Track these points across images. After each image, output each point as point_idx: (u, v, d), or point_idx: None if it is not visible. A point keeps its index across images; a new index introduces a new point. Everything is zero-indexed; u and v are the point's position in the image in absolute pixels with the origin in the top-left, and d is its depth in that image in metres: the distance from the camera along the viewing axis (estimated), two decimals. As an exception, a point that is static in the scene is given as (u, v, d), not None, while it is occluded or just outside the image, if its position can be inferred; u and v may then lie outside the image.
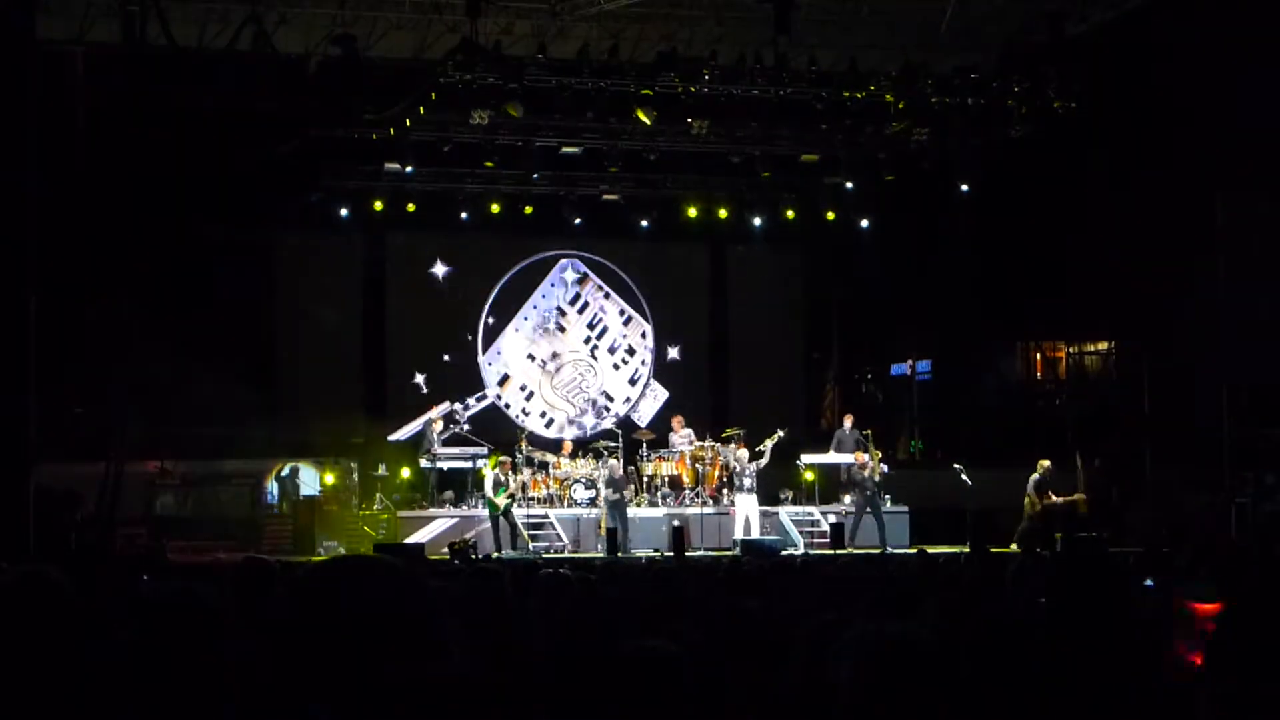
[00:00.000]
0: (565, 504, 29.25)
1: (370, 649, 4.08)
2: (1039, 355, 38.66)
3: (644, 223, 35.47)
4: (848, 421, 31.97)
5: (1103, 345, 36.62)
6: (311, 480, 30.45)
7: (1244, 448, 29.14)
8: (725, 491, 29.91)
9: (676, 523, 28.03)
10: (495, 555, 26.21)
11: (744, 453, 29.83)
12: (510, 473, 28.79)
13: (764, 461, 29.72)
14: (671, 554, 25.68)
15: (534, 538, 28.17)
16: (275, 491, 30.35)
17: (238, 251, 32.41)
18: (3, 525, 17.35)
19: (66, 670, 5.81)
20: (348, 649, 4.09)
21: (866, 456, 29.49)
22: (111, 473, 26.82)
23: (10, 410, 17.86)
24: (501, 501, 28.05)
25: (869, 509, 28.98)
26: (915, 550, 22.46)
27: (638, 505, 29.54)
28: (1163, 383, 31.30)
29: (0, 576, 5.93)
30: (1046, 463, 29.21)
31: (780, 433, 30.41)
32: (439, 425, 30.13)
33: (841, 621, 5.75)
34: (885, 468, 29.81)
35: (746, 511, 28.98)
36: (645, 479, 30.20)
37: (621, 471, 28.72)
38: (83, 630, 6.29)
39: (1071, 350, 37.64)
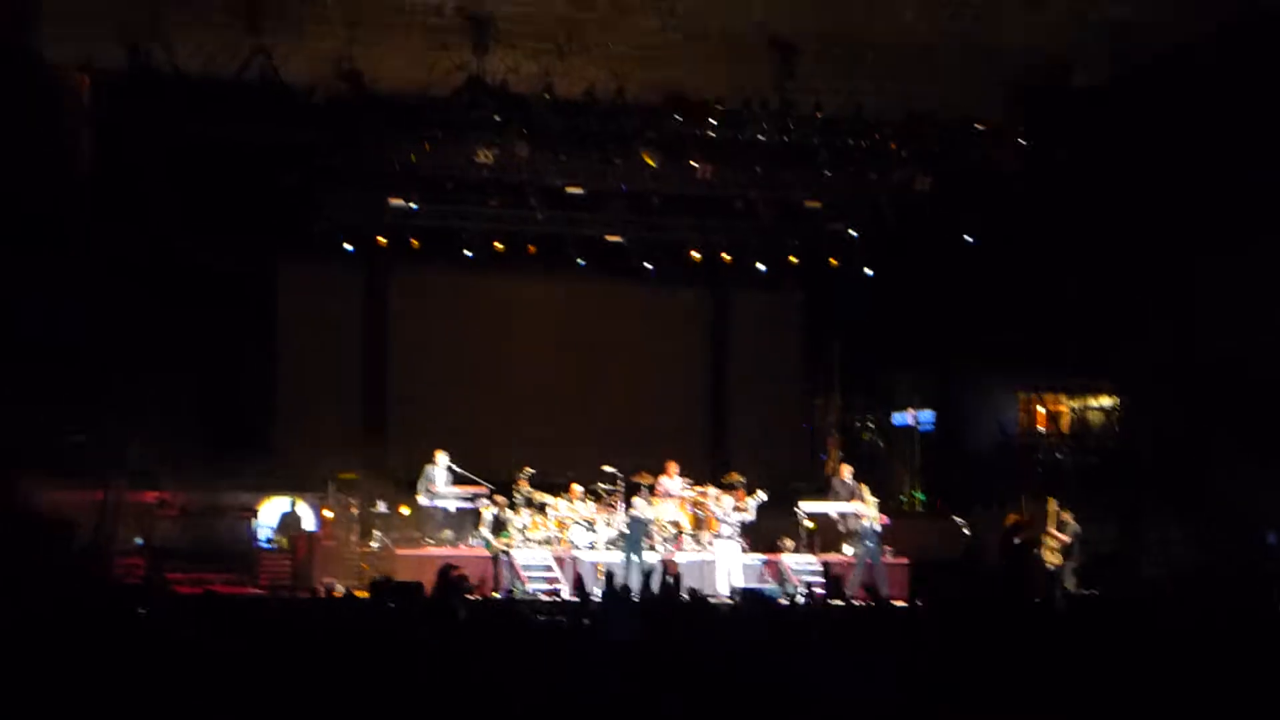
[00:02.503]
0: (563, 545, 29.08)
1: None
2: (1041, 408, 38.56)
3: (646, 264, 35.39)
4: (845, 471, 31.85)
5: (1106, 400, 36.51)
6: (310, 515, 30.37)
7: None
8: (715, 537, 29.78)
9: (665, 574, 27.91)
10: (494, 594, 26.13)
11: (728, 500, 29.75)
12: (511, 513, 28.72)
13: (748, 517, 29.74)
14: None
15: (532, 579, 28.02)
16: (263, 526, 30.20)
17: (239, 281, 32.42)
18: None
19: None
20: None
21: (864, 506, 29.38)
22: (110, 502, 26.78)
23: (8, 439, 17.80)
24: (499, 543, 27.98)
25: (869, 559, 28.85)
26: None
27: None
28: (1166, 438, 31.22)
29: None
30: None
31: (762, 494, 30.47)
32: (440, 462, 30.00)
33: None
34: (884, 517, 29.66)
35: (728, 560, 28.89)
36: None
37: (646, 513, 28.56)
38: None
39: (1074, 404, 37.54)
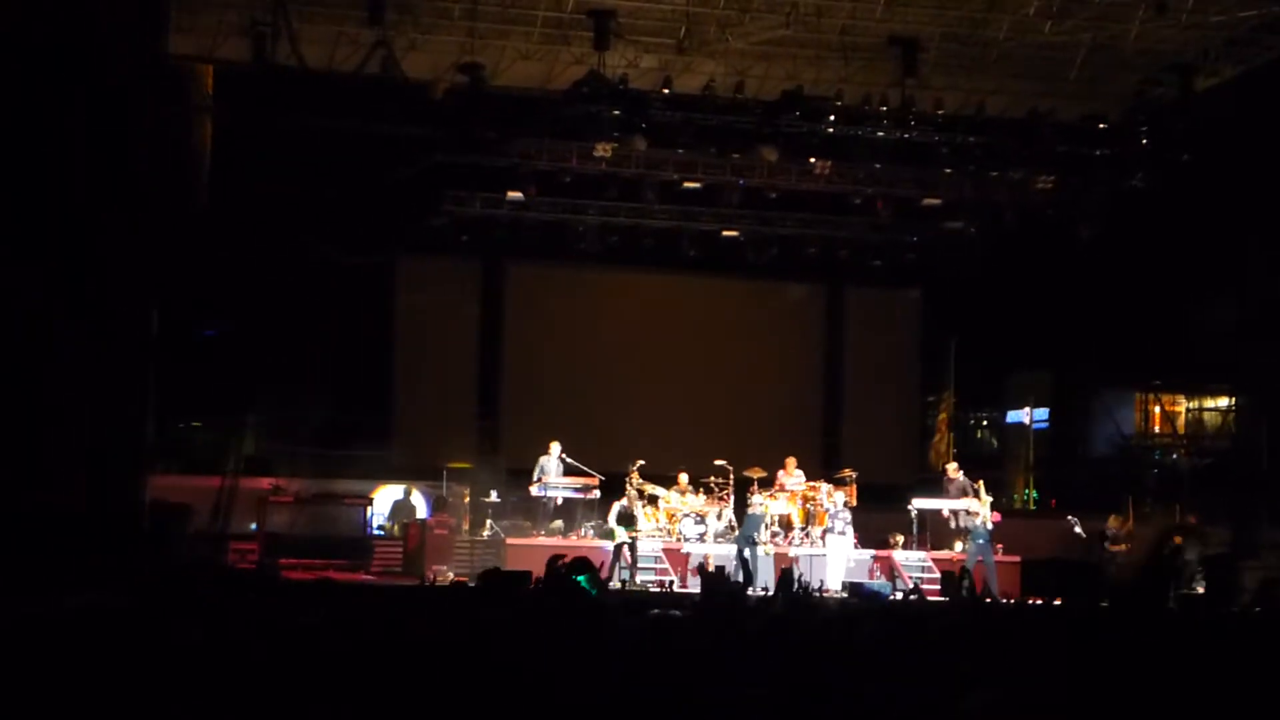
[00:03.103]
0: (674, 538, 29.12)
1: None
2: (1157, 408, 38.32)
3: (762, 260, 35.37)
4: (953, 468, 31.70)
5: (1222, 401, 36.21)
6: (423, 504, 30.61)
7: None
8: (826, 532, 29.68)
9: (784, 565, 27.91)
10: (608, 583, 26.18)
11: (840, 495, 29.68)
12: (637, 506, 28.80)
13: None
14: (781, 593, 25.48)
15: (642, 570, 28.09)
16: (376, 514, 30.47)
17: (358, 273, 32.68)
18: (116, 538, 17.48)
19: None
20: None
21: (978, 504, 29.19)
22: (225, 488, 27.07)
23: (128, 426, 18.03)
24: (620, 533, 28.07)
25: (980, 557, 28.67)
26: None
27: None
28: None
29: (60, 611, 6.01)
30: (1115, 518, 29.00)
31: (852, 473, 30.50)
32: (553, 453, 30.09)
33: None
34: (997, 515, 29.48)
35: (839, 555, 28.83)
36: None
37: (760, 507, 28.51)
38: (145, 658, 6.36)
39: (1190, 405, 37.27)
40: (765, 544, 28.56)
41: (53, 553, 15.81)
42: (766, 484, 30.11)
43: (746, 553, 27.60)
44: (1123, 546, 28.38)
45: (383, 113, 28.88)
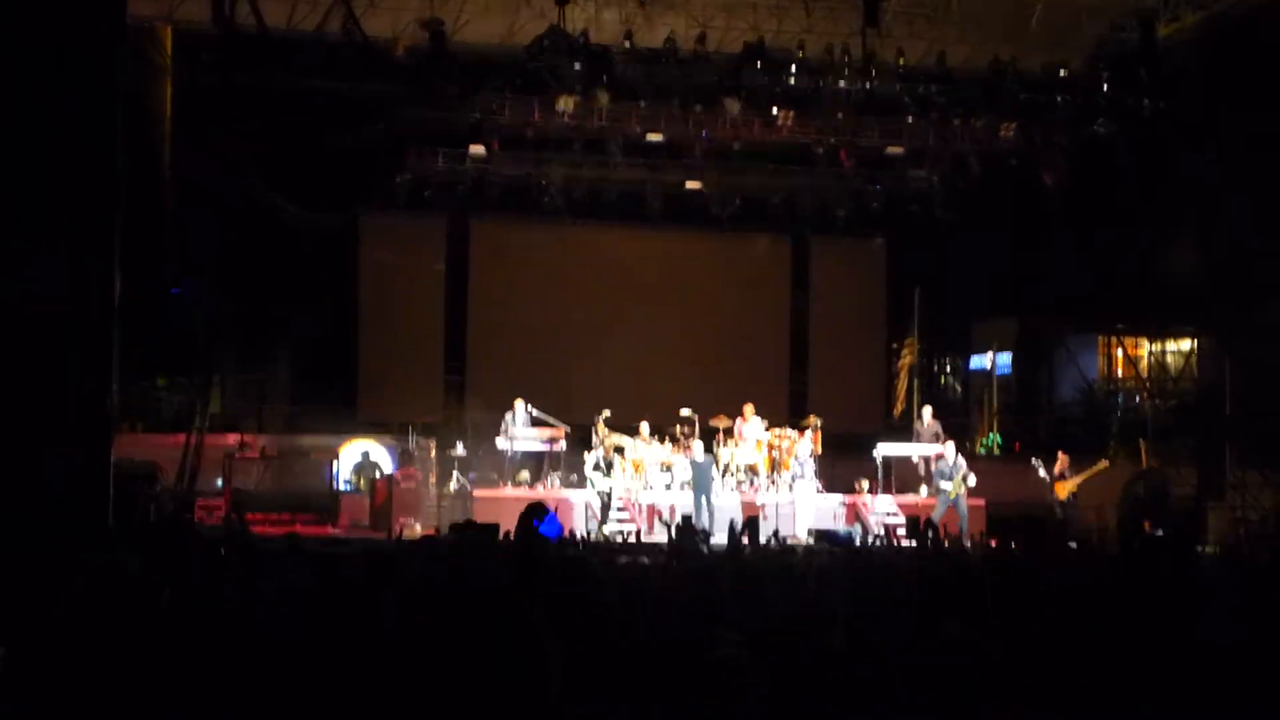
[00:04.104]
0: (642, 488, 29.21)
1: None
2: (1120, 352, 38.50)
3: (726, 212, 35.39)
4: (927, 413, 31.76)
5: (1185, 343, 36.37)
6: (388, 459, 30.63)
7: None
8: (794, 480, 29.76)
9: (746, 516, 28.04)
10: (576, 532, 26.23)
11: (806, 442, 29.78)
12: (611, 454, 28.87)
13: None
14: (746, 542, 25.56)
15: (608, 521, 28.19)
16: (342, 470, 30.52)
17: (321, 232, 32.61)
18: (83, 498, 17.47)
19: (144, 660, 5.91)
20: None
21: (949, 448, 29.21)
22: (191, 446, 27.07)
23: (92, 385, 18.00)
24: (599, 481, 28.17)
25: (951, 507, 28.76)
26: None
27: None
28: (1246, 382, 31.09)
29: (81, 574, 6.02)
30: (1065, 456, 29.01)
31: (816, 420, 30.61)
32: (518, 408, 30.13)
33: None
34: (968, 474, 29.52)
35: (806, 501, 28.94)
36: (722, 465, 30.11)
37: (703, 455, 28.61)
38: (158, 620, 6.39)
39: (1154, 348, 37.43)
40: (717, 492, 28.66)
41: (19, 516, 15.80)
42: (730, 433, 30.24)
43: (702, 501, 27.73)
44: (1069, 485, 28.43)
45: (344, 71, 28.84)
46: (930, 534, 23.30)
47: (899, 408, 36.04)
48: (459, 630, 4.96)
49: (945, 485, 28.44)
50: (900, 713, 5.50)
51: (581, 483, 28.80)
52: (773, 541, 20.45)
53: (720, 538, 25.92)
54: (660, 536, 25.79)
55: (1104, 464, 28.22)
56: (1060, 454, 28.62)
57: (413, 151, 33.13)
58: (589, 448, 29.10)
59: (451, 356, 35.85)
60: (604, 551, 19.76)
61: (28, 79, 17.63)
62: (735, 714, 5.41)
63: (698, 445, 28.71)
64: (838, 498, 29.75)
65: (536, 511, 13.30)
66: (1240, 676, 6.46)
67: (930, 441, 30.64)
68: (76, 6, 17.99)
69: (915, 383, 36.60)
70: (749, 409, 30.64)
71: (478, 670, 4.84)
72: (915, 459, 30.84)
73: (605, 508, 28.24)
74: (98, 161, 18.00)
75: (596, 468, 28.46)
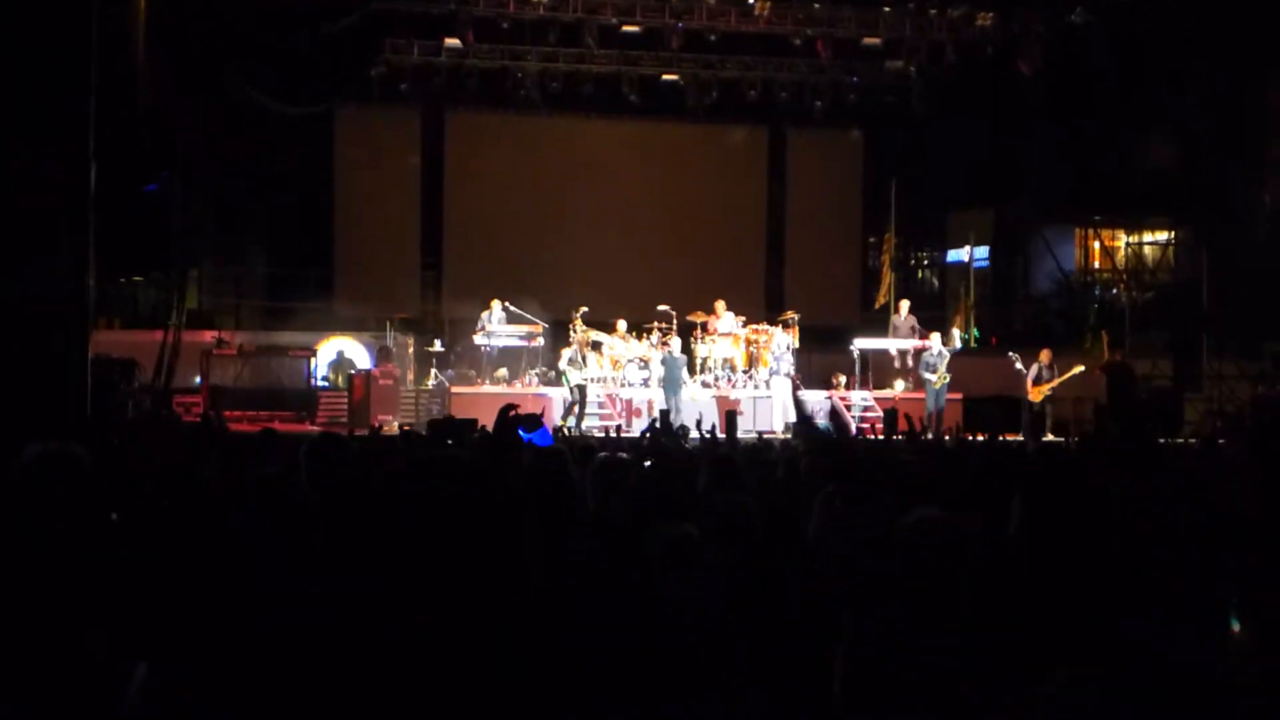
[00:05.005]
0: (619, 384, 29.22)
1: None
2: (1097, 244, 38.51)
3: (703, 104, 35.23)
4: (904, 307, 31.72)
5: (1162, 235, 36.39)
6: (366, 355, 30.59)
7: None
8: (771, 374, 29.75)
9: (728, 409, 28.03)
10: (560, 427, 26.25)
11: (784, 337, 29.75)
12: (586, 350, 28.81)
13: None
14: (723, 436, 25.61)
15: (587, 415, 28.20)
16: (321, 367, 30.49)
17: (297, 126, 32.44)
18: (61, 393, 17.45)
19: (88, 543, 5.92)
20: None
21: (930, 341, 29.16)
22: (168, 342, 27.01)
23: (69, 280, 17.94)
24: (574, 376, 28.16)
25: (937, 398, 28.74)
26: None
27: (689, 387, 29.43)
28: (1221, 273, 31.14)
29: (24, 456, 6.02)
30: (1047, 352, 28.93)
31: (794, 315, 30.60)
32: (495, 308, 30.08)
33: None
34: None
35: (783, 396, 28.95)
36: (699, 361, 30.11)
37: (680, 351, 28.58)
38: (103, 506, 6.39)
39: (1130, 240, 37.45)
40: (688, 385, 28.68)
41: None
42: (708, 329, 30.22)
43: (671, 398, 27.74)
44: (1045, 386, 28.39)
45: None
46: (910, 429, 23.37)
47: (880, 300, 35.94)
48: (438, 509, 5.00)
49: (929, 376, 28.45)
50: (870, 599, 5.53)
51: (560, 379, 28.78)
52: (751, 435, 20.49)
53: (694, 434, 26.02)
54: (638, 432, 25.86)
55: (1079, 368, 28.19)
56: (1044, 351, 28.57)
57: (388, 43, 32.93)
58: (567, 344, 29.05)
59: (428, 251, 35.75)
60: (581, 446, 19.77)
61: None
62: (684, 593, 5.45)
63: (675, 342, 28.68)
64: (824, 392, 29.75)
65: (528, 422, 13.28)
66: (1216, 562, 6.48)
67: (907, 336, 30.60)
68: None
69: (892, 276, 36.55)
70: (720, 304, 30.59)
71: (457, 546, 4.88)
72: (893, 353, 30.81)
73: (581, 403, 28.23)
74: (71, 57, 17.87)
75: (571, 363, 28.43)
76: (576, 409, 28.04)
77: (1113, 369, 28.10)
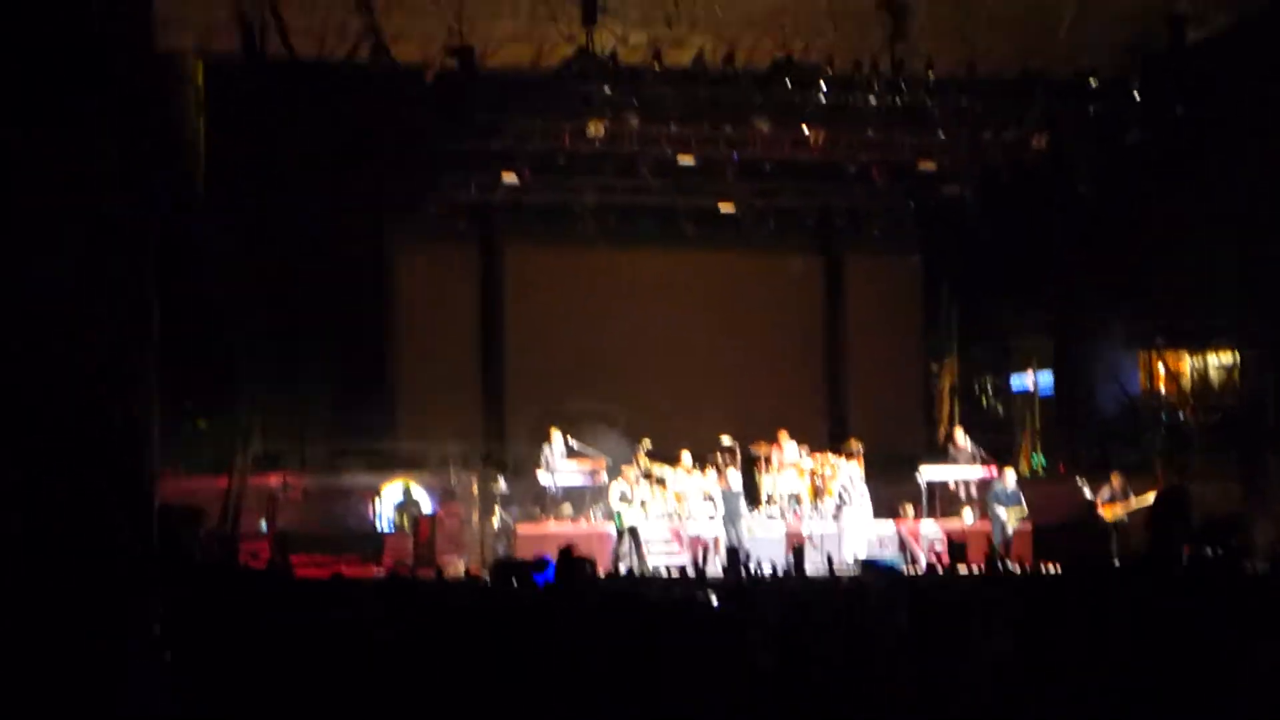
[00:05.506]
0: (685, 519, 29.00)
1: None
2: (1162, 366, 38.17)
3: (760, 233, 35.21)
4: (958, 434, 31.56)
5: (1227, 357, 36.06)
6: (429, 495, 30.47)
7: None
8: (839, 507, 29.54)
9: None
10: (618, 569, 26.07)
11: (848, 467, 29.58)
12: (635, 485, 28.62)
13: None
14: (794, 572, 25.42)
15: (652, 554, 27.98)
16: (386, 509, 30.39)
17: (356, 264, 32.56)
18: (127, 543, 17.35)
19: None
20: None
21: (1004, 476, 28.91)
22: (234, 488, 26.97)
23: (133, 426, 17.88)
24: (628, 515, 27.92)
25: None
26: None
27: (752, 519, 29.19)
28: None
29: None
30: (1118, 476, 28.62)
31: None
32: (554, 439, 29.97)
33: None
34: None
35: (856, 528, 28.72)
36: (765, 494, 29.93)
37: (740, 485, 28.44)
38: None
39: (1195, 362, 37.12)
40: (747, 518, 28.43)
41: (64, 564, 15.69)
42: (771, 461, 30.07)
43: (731, 532, 27.56)
44: (1119, 506, 28.07)
45: (375, 99, 28.77)
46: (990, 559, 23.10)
47: (943, 429, 35.74)
48: (499, 652, 4.94)
49: (999, 510, 28.26)
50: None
51: (613, 518, 28.51)
52: (821, 569, 20.31)
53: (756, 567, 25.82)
54: (708, 569, 25.66)
55: (1152, 494, 27.87)
56: (1114, 475, 28.29)
57: (445, 179, 33.04)
58: (620, 477, 28.86)
59: (489, 386, 35.67)
60: (646, 585, 19.58)
61: (70, 118, 17.57)
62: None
63: (733, 475, 28.52)
64: (890, 522, 29.53)
65: (537, 565, 13.24)
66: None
67: (968, 463, 30.45)
68: (107, 42, 17.94)
69: (955, 403, 36.34)
70: (783, 435, 30.48)
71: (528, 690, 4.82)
72: (956, 482, 30.59)
73: (636, 543, 27.97)
74: (137, 201, 17.94)
75: (623, 499, 28.23)
76: (630, 549, 27.81)
77: (1165, 494, 27.79)
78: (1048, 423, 37.47)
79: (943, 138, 31.82)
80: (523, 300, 35.95)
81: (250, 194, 29.36)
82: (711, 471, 29.52)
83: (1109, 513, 27.66)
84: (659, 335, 35.88)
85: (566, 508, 29.75)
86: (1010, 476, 28.70)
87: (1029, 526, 28.75)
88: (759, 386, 35.69)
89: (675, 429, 31.32)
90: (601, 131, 30.07)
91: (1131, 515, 27.71)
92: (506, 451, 32.52)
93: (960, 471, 30.52)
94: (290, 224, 30.37)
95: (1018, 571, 23.20)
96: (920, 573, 24.56)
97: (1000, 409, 40.00)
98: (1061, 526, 28.75)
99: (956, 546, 28.22)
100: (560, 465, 29.63)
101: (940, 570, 24.86)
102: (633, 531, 27.90)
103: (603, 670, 7.42)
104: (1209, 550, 25.60)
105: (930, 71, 30.03)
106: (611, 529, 28.28)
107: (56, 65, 17.47)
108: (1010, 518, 28.18)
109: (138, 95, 18.44)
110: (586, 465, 29.63)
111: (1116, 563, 25.05)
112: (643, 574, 25.82)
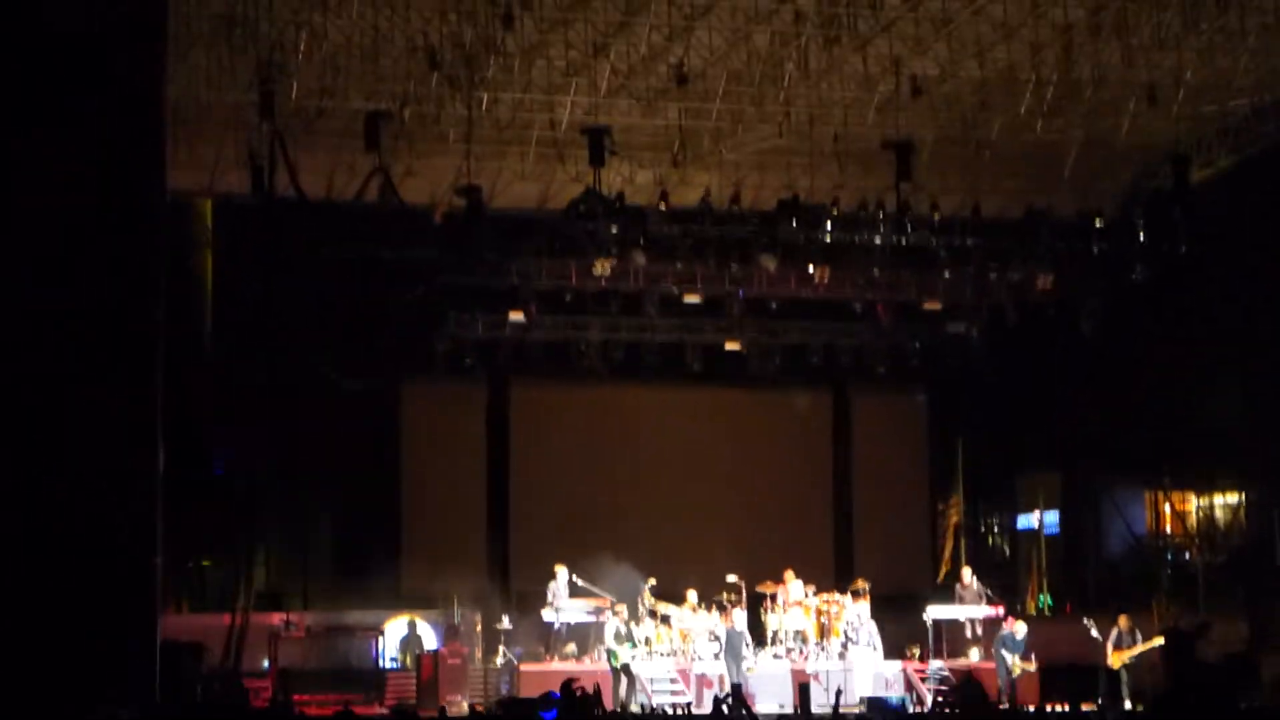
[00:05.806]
0: (690, 657, 28.82)
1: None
2: (1168, 506, 38.05)
3: (766, 370, 35.20)
4: (965, 574, 31.44)
5: (1233, 497, 35.98)
6: (433, 633, 30.32)
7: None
8: (847, 646, 29.38)
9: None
10: (616, 709, 25.89)
11: (855, 606, 29.46)
12: (633, 624, 28.44)
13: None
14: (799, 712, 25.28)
15: (657, 692, 27.77)
16: (390, 646, 30.22)
17: (362, 399, 32.54)
18: (130, 678, 17.34)
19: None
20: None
21: (1014, 627, 28.77)
22: (237, 625, 26.88)
23: (137, 564, 17.91)
24: (624, 653, 27.72)
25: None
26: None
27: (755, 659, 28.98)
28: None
29: None
30: (1126, 618, 28.48)
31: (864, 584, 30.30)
32: (560, 577, 29.81)
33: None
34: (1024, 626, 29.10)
35: (864, 667, 28.55)
36: (770, 632, 29.77)
37: (744, 623, 28.31)
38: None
39: (1201, 502, 37.02)
40: (748, 658, 28.22)
41: (69, 698, 15.70)
42: (776, 599, 29.92)
43: (733, 669, 27.39)
44: (1125, 653, 27.92)
45: (383, 238, 28.92)
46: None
47: (944, 569, 35.63)
48: None
49: (1007, 656, 28.11)
50: None
51: (608, 657, 28.30)
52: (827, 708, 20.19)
53: (758, 707, 25.67)
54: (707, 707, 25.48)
55: (1160, 639, 27.74)
56: (1122, 616, 28.17)
57: (453, 317, 33.08)
58: (632, 618, 28.70)
59: (494, 523, 35.52)
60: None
61: (69, 258, 17.70)
62: None
63: (738, 614, 28.39)
64: (898, 663, 29.38)
65: (543, 703, 13.19)
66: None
67: (974, 603, 30.35)
68: (119, 185, 18.09)
69: (962, 542, 36.24)
70: (789, 574, 30.35)
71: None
72: (964, 621, 30.46)
73: (630, 683, 27.75)
74: (144, 340, 18.02)
75: (618, 638, 28.02)
76: (625, 689, 27.60)
77: (1170, 636, 27.68)
78: (1054, 562, 37.31)
79: (948, 276, 31.86)
80: (529, 437, 35.87)
81: (257, 329, 29.43)
82: (716, 610, 29.35)
83: (1116, 660, 27.53)
84: (665, 472, 35.80)
85: (571, 646, 29.54)
86: (1021, 628, 28.56)
87: (1034, 667, 28.51)
88: (765, 523, 35.55)
89: (681, 566, 31.19)
90: (608, 270, 30.20)
91: (1139, 658, 27.58)
92: (510, 587, 32.38)
93: (967, 611, 30.38)
94: (297, 361, 30.39)
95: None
96: (926, 711, 24.44)
97: (1006, 548, 39.85)
98: (1069, 667, 28.54)
99: (961, 686, 27.99)
100: (565, 604, 29.45)
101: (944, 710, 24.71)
102: (626, 669, 27.67)
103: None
104: (1218, 690, 25.54)
105: (935, 211, 30.16)
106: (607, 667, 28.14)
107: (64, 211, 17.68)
108: (1015, 665, 28.03)
109: (152, 234, 18.62)
110: (592, 603, 29.44)
111: (1128, 704, 25.02)
112: (640, 712, 25.67)
